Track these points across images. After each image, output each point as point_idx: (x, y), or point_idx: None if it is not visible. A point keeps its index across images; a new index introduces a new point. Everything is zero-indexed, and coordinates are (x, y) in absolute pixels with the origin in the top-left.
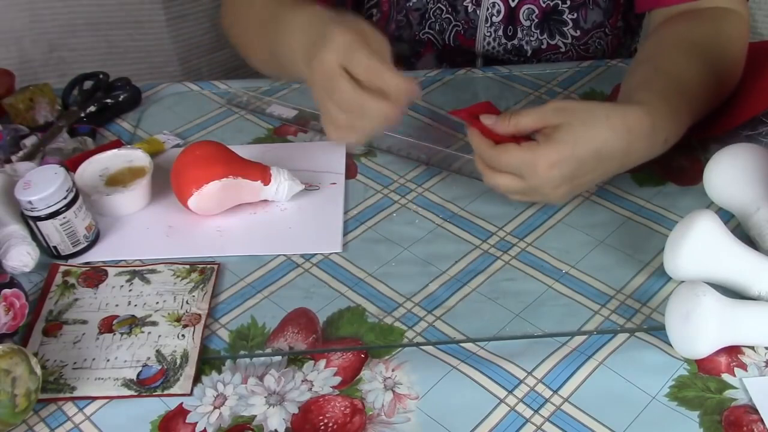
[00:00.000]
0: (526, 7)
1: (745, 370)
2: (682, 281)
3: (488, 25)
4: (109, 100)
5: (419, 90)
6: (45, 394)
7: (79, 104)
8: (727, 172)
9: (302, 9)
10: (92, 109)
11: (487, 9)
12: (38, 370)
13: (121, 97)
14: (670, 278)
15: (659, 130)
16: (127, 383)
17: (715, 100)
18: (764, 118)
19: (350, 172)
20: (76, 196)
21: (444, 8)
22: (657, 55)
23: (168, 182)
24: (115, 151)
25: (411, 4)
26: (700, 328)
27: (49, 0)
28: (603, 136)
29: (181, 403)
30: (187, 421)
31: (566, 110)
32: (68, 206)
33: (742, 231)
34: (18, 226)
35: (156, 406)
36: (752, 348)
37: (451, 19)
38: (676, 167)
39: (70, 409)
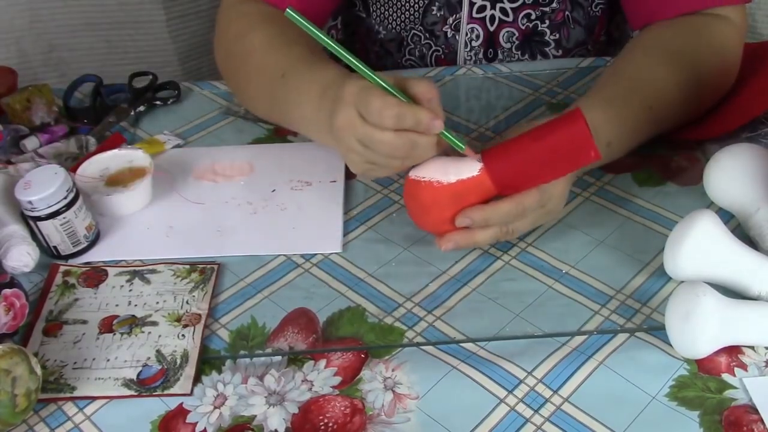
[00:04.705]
0: (505, 30)
1: (745, 370)
2: (682, 281)
3: (467, 49)
4: (158, 102)
5: (436, 88)
6: (45, 394)
7: (130, 102)
8: (727, 172)
9: (315, 77)
10: (141, 108)
11: (466, 34)
12: (38, 370)
13: (170, 100)
14: (670, 278)
15: (600, 134)
16: (127, 383)
17: (695, 107)
18: (764, 119)
19: (350, 172)
20: (76, 196)
21: (421, 35)
22: (621, 59)
23: (168, 182)
24: (115, 151)
25: (382, 36)
26: (700, 328)
27: (49, 0)
28: None
29: (181, 403)
30: (187, 421)
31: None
32: (68, 206)
33: (742, 231)
34: (18, 226)
35: (156, 406)
36: (752, 348)
37: (431, 44)
38: (676, 167)
39: (70, 409)
